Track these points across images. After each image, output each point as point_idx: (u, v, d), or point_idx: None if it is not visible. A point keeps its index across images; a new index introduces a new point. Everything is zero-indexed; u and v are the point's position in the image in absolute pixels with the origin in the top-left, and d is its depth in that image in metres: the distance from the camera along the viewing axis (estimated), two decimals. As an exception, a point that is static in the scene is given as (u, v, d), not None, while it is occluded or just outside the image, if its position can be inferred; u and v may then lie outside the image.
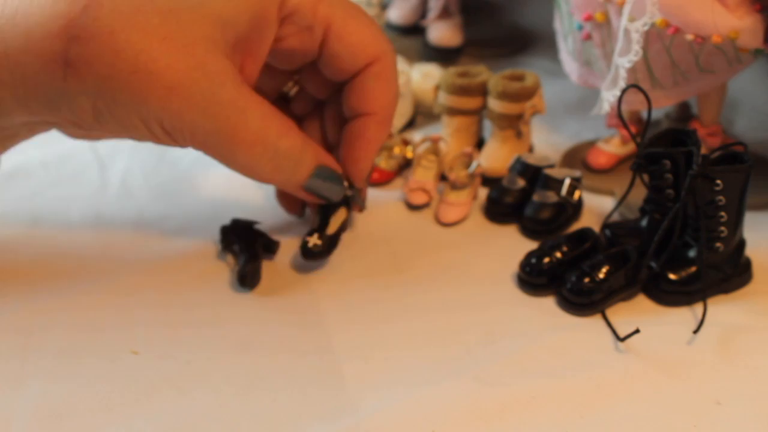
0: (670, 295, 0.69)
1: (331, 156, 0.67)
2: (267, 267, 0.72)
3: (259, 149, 0.60)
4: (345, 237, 0.77)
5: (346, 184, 0.68)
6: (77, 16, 0.54)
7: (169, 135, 0.59)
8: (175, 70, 0.55)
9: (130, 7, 0.55)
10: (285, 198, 0.75)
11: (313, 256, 0.69)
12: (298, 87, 0.73)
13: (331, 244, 0.70)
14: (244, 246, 0.70)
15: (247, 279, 0.68)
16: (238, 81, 0.59)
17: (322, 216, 0.70)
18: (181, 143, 0.60)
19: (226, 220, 0.74)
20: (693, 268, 0.69)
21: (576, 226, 0.78)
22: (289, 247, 0.74)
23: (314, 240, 0.69)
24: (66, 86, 0.55)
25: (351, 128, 0.67)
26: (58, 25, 0.53)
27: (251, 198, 0.82)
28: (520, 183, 0.80)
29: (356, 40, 0.64)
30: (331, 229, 0.70)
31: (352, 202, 0.71)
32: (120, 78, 0.55)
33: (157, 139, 0.60)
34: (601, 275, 0.67)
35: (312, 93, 0.71)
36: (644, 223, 0.72)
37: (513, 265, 0.73)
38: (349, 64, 0.64)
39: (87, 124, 0.59)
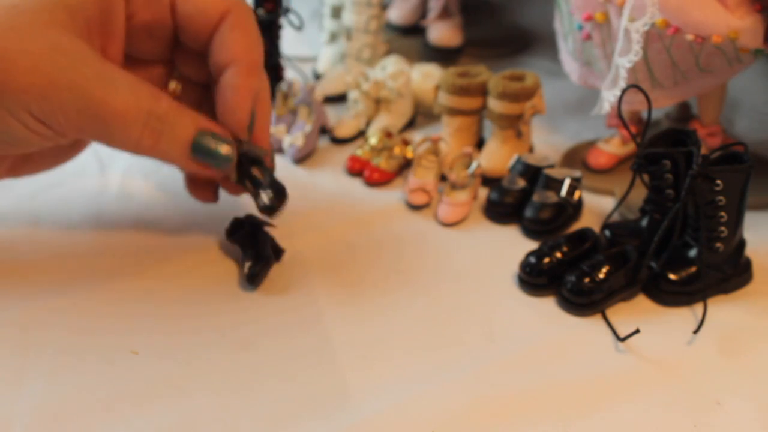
0: (670, 295, 0.69)
1: (213, 122, 0.65)
2: (267, 267, 0.72)
3: (132, 116, 0.59)
4: (345, 237, 0.77)
5: (233, 145, 0.65)
6: None
7: (44, 123, 0.58)
8: (31, 54, 0.56)
9: None
10: (195, 187, 0.73)
11: (272, 209, 0.67)
12: (179, 84, 0.71)
13: (278, 192, 0.67)
14: (257, 246, 0.70)
15: (257, 279, 0.69)
16: (100, 57, 0.59)
17: (249, 181, 0.68)
18: (58, 129, 0.58)
19: (226, 220, 0.74)
20: (693, 268, 0.69)
21: (576, 226, 0.78)
22: (290, 249, 0.75)
23: (266, 195, 0.67)
24: None
25: (220, 84, 0.66)
26: None
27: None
28: (520, 183, 0.80)
29: None
30: (264, 180, 0.68)
31: (255, 156, 0.68)
32: None
33: (34, 133, 0.59)
34: (601, 275, 0.67)
35: (193, 79, 0.70)
36: (644, 223, 0.72)
37: (513, 265, 0.73)
38: (201, 23, 0.64)
39: None
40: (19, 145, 0.60)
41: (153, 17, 0.64)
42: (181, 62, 0.69)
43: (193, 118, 0.62)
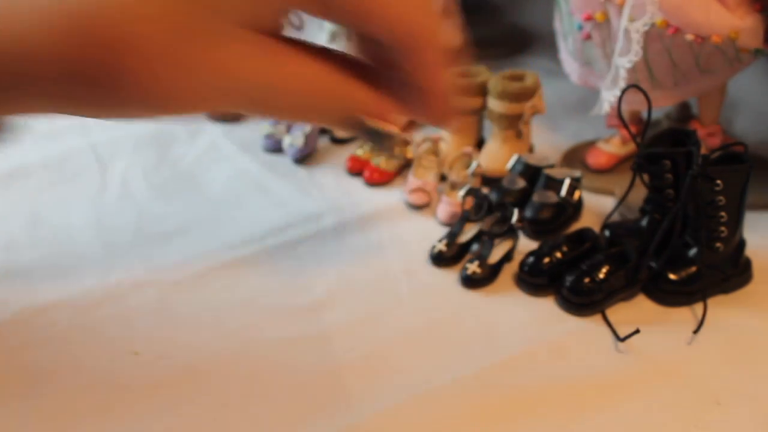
0: (670, 295, 0.69)
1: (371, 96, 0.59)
2: (268, 267, 0.72)
3: (295, 98, 0.55)
4: (345, 237, 0.77)
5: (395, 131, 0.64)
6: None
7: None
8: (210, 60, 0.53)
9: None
10: None
11: (471, 284, 0.71)
12: None
13: (491, 272, 0.71)
14: None
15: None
16: (275, 48, 0.54)
17: (486, 244, 0.72)
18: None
19: (226, 220, 0.74)
20: (693, 268, 0.69)
21: (576, 226, 0.78)
22: (288, 248, 0.75)
23: (474, 268, 0.70)
24: None
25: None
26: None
27: (252, 198, 0.82)
28: (520, 183, 0.80)
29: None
30: (493, 258, 0.71)
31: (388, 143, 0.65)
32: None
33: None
34: (601, 275, 0.67)
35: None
36: (644, 223, 0.72)
37: (513, 265, 0.73)
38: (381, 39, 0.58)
39: None
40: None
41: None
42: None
43: (348, 95, 0.57)
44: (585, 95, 0.95)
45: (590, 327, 0.67)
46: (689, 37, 0.73)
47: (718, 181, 0.66)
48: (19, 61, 0.47)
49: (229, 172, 0.87)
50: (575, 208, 0.79)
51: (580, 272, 0.68)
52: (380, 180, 0.85)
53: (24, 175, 0.85)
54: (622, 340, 0.64)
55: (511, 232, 0.72)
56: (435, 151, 0.85)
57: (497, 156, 0.85)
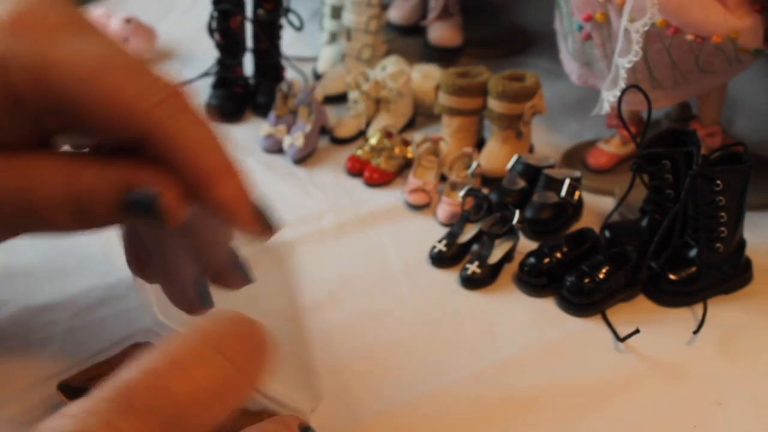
0: (670, 295, 0.69)
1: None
2: (268, 267, 0.72)
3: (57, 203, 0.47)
4: (345, 237, 0.77)
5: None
6: None
7: None
8: None
9: None
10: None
11: (471, 284, 0.71)
12: None
13: (491, 273, 0.71)
14: None
15: None
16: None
17: (486, 244, 0.72)
18: None
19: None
20: (693, 269, 0.69)
21: (576, 226, 0.78)
22: (292, 250, 0.74)
23: (474, 268, 0.70)
24: None
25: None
26: None
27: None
28: (521, 183, 0.80)
29: None
30: (493, 258, 0.71)
31: None
32: None
33: None
34: (601, 275, 0.67)
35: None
36: (644, 223, 0.72)
37: (513, 265, 0.73)
38: None
39: None
40: None
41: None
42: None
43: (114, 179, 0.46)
44: (585, 95, 0.95)
45: (590, 327, 0.67)
46: (689, 37, 0.74)
47: (718, 181, 0.66)
48: None
49: (229, 172, 0.87)
50: (575, 208, 0.79)
51: (580, 272, 0.68)
52: (380, 180, 0.85)
53: (24, 175, 0.85)
54: (622, 340, 0.64)
55: (511, 233, 0.72)
56: (435, 151, 0.85)
57: (497, 156, 0.85)
